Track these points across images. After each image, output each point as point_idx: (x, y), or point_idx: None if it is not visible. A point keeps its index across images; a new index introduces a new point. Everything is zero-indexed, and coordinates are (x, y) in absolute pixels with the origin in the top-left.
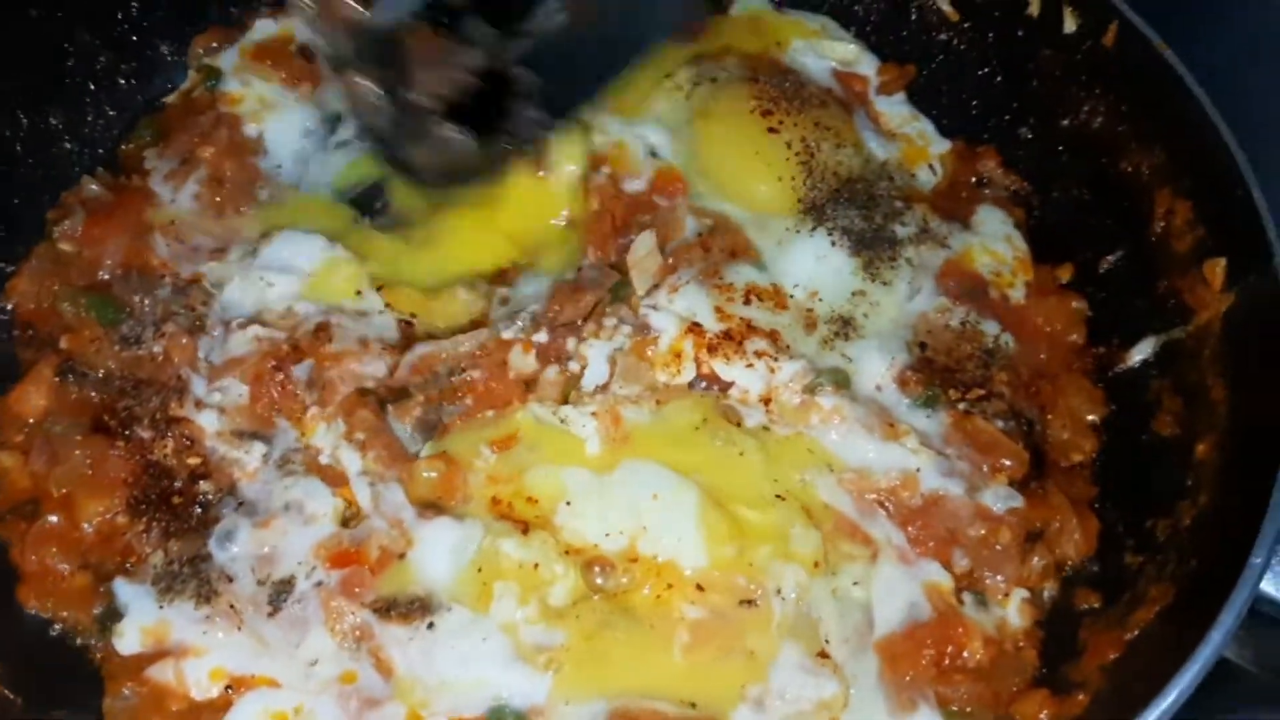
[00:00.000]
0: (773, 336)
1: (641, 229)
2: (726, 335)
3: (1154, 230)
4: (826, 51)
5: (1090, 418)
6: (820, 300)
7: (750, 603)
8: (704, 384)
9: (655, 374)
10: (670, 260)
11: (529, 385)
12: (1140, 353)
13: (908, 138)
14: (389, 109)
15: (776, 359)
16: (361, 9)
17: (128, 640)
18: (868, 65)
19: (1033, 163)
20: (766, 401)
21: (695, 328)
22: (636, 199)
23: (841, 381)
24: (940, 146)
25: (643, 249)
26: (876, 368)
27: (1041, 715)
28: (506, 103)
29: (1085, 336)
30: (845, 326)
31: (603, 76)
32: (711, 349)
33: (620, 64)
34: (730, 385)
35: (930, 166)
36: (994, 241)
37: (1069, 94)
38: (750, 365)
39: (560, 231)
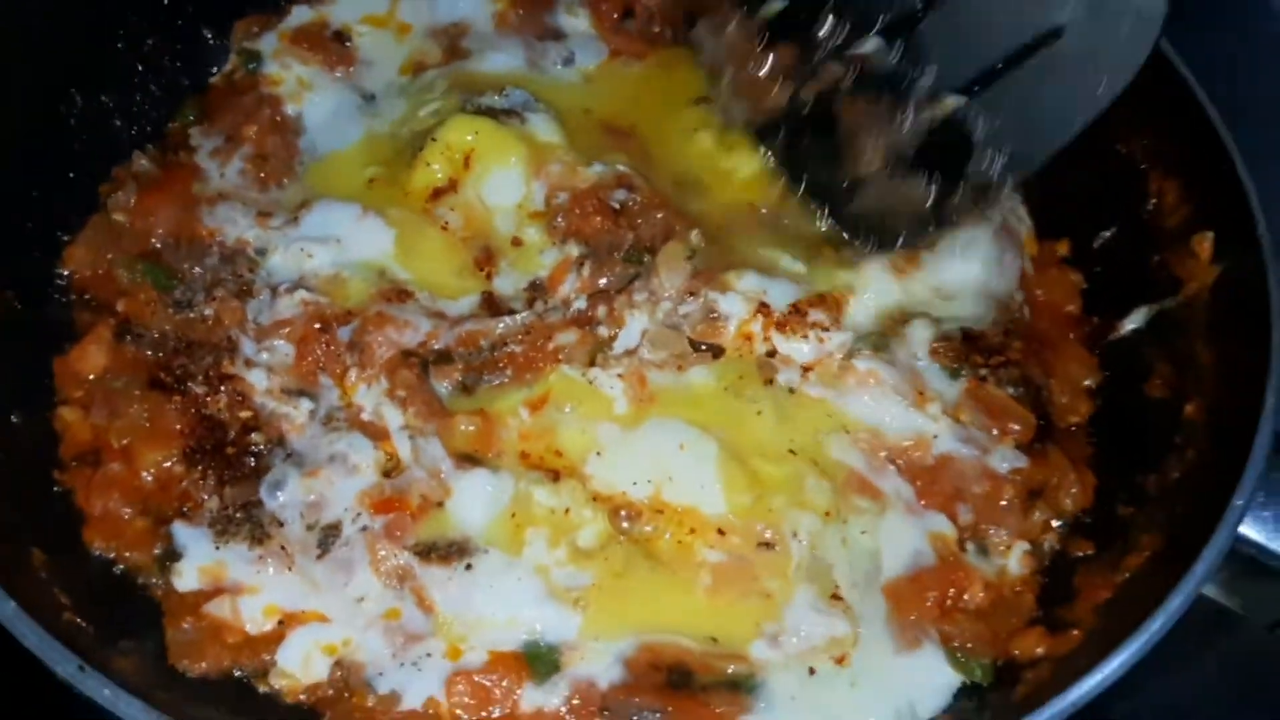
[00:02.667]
0: (835, 306)
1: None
2: (794, 310)
3: (1146, 208)
4: None
5: (1086, 383)
6: None
7: (769, 545)
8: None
9: (684, 342)
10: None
11: (559, 349)
12: (1133, 322)
13: None
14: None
15: (828, 330)
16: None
17: (186, 578)
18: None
19: None
20: (807, 370)
21: (764, 308)
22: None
23: (880, 345)
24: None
25: (672, 255)
26: (921, 334)
27: (1038, 650)
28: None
29: (1081, 308)
30: None
31: (1070, 119)
32: (780, 326)
33: (1091, 104)
34: (775, 353)
35: None
36: (1009, 215)
37: None
38: (804, 337)
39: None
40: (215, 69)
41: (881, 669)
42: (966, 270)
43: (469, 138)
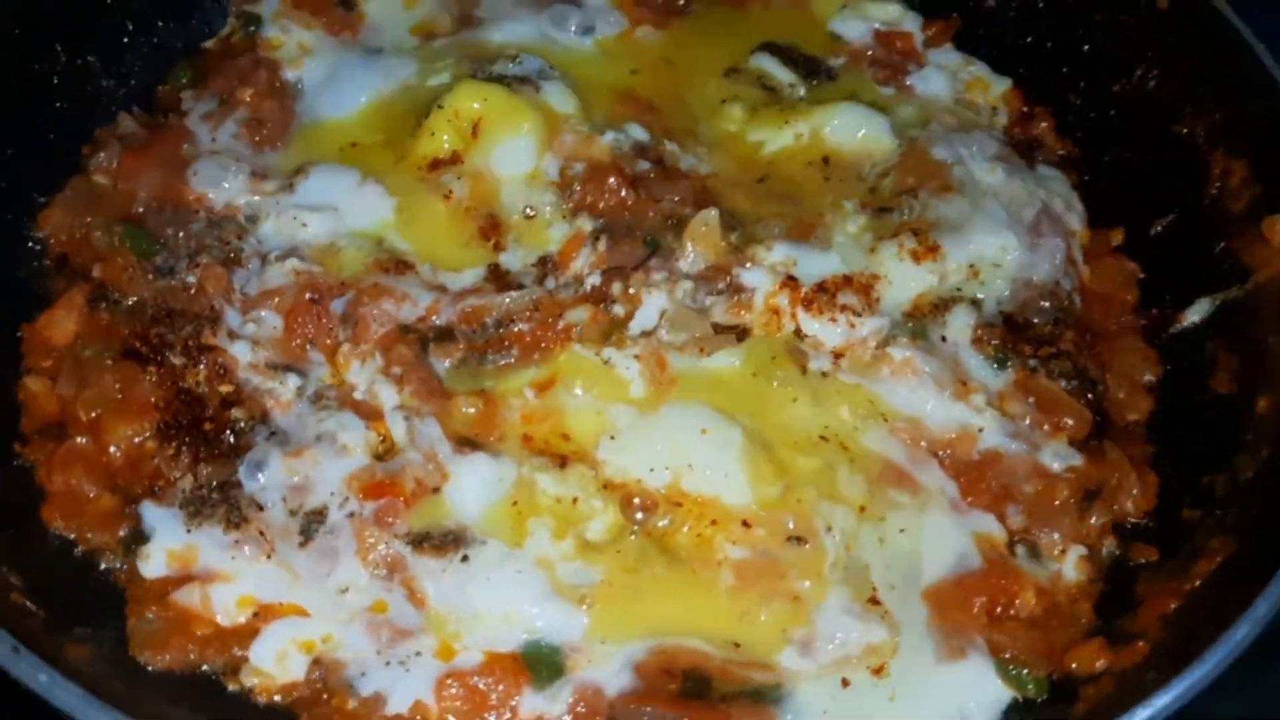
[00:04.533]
0: (866, 290)
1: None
2: (820, 288)
3: (1209, 192)
4: (869, 13)
5: (1146, 378)
6: None
7: (799, 540)
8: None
9: (706, 325)
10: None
11: (570, 328)
12: (1195, 314)
13: (965, 79)
14: None
15: (860, 315)
16: None
17: (153, 563)
18: (911, 22)
19: (1082, 128)
20: (838, 355)
21: (790, 281)
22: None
23: (918, 333)
24: (1000, 84)
25: (701, 225)
26: (962, 321)
27: (1099, 664)
28: None
29: (1138, 299)
30: None
31: None
32: (806, 303)
33: None
34: (805, 337)
35: (994, 109)
36: (1054, 200)
37: (1121, 58)
38: (833, 319)
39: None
40: (210, 30)
41: (923, 681)
42: (999, 251)
43: (476, 105)
